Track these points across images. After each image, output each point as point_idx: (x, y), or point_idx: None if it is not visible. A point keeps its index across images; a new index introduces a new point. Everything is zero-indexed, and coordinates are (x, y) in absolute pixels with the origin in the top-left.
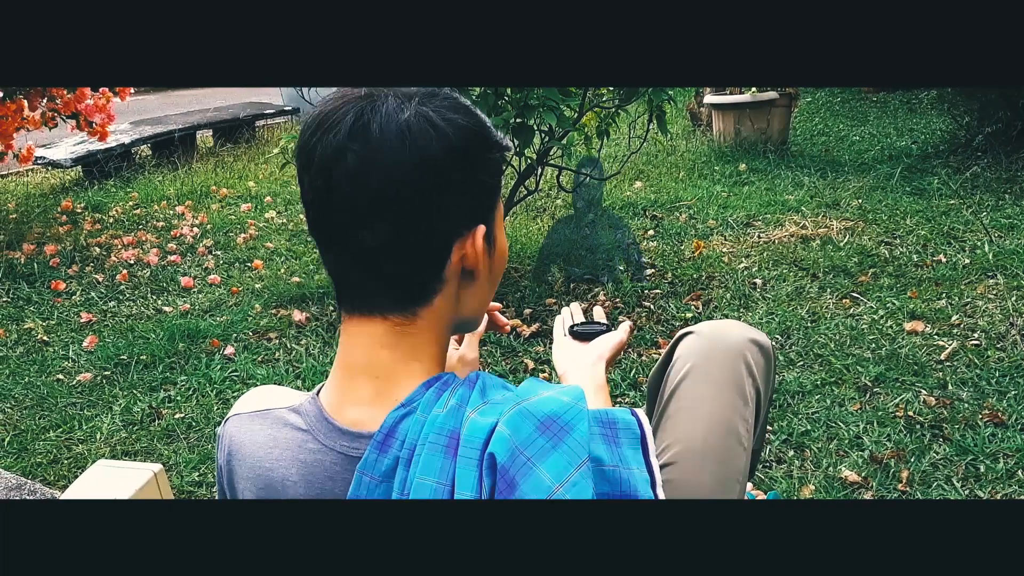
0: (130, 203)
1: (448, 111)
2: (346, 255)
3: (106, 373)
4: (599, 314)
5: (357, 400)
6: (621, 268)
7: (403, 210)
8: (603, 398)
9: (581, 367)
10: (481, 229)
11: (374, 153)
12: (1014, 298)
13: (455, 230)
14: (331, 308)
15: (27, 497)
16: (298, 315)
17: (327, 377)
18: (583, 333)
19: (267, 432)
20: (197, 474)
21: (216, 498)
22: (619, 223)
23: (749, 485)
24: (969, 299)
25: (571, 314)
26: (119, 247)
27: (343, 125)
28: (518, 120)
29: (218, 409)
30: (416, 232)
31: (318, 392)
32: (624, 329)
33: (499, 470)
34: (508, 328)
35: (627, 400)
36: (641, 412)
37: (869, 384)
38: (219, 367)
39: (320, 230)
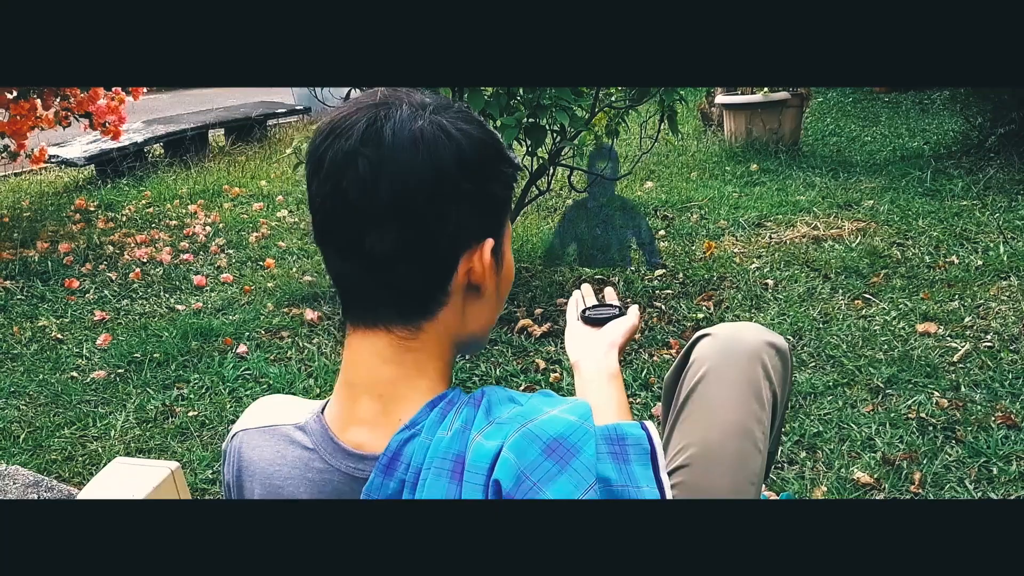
0: (143, 202)
1: (461, 122)
2: (353, 262)
3: (120, 371)
4: (611, 295)
5: (360, 420)
6: (634, 249)
7: (413, 218)
8: (616, 387)
9: (593, 356)
10: (489, 243)
11: (386, 159)
12: None
13: (463, 242)
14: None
15: (44, 494)
16: (310, 314)
17: (338, 376)
18: (595, 319)
19: (274, 449)
20: (211, 471)
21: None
22: (631, 207)
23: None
24: (982, 301)
25: (583, 297)
26: (132, 245)
27: (355, 130)
28: (530, 120)
29: (231, 407)
30: (425, 241)
31: (323, 409)
32: (635, 313)
33: (504, 496)
34: None
35: (639, 401)
36: (651, 425)
37: (881, 385)
38: (232, 365)
39: (327, 236)
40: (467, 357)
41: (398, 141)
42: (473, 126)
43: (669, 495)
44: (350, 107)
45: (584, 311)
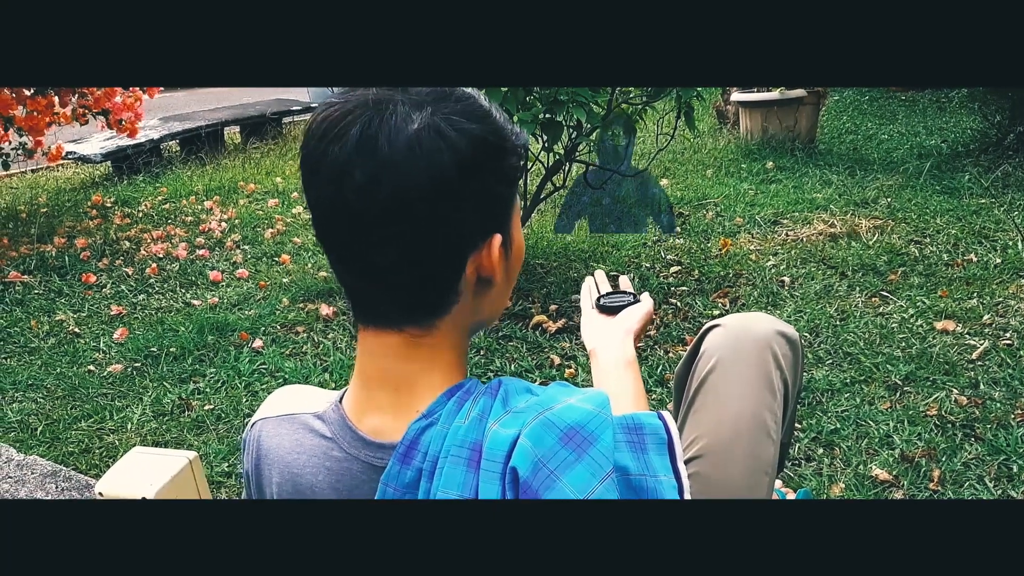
0: (159, 198)
1: (461, 118)
2: (356, 270)
3: (136, 365)
4: (625, 283)
5: (377, 409)
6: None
7: (413, 227)
8: (633, 374)
9: (610, 343)
10: (497, 238)
11: (382, 169)
12: None
13: (470, 243)
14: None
15: (61, 484)
16: (325, 309)
17: (354, 367)
18: (610, 306)
19: (293, 437)
20: (227, 464)
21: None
22: (649, 180)
23: (779, 482)
24: (1001, 299)
25: (596, 283)
26: (148, 241)
27: (349, 138)
28: (547, 116)
29: (247, 401)
30: (428, 249)
31: (341, 398)
32: (649, 300)
33: (521, 484)
34: None
35: (654, 396)
36: (668, 415)
37: (899, 383)
38: (247, 360)
39: (328, 242)
40: (480, 352)
41: (395, 149)
42: (474, 121)
43: (686, 484)
44: (343, 106)
45: (599, 299)
